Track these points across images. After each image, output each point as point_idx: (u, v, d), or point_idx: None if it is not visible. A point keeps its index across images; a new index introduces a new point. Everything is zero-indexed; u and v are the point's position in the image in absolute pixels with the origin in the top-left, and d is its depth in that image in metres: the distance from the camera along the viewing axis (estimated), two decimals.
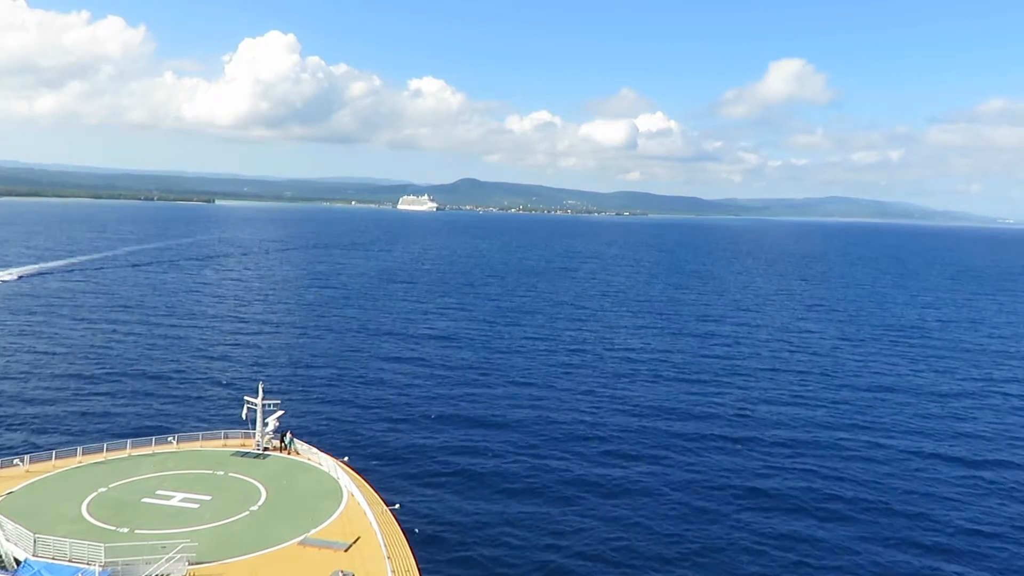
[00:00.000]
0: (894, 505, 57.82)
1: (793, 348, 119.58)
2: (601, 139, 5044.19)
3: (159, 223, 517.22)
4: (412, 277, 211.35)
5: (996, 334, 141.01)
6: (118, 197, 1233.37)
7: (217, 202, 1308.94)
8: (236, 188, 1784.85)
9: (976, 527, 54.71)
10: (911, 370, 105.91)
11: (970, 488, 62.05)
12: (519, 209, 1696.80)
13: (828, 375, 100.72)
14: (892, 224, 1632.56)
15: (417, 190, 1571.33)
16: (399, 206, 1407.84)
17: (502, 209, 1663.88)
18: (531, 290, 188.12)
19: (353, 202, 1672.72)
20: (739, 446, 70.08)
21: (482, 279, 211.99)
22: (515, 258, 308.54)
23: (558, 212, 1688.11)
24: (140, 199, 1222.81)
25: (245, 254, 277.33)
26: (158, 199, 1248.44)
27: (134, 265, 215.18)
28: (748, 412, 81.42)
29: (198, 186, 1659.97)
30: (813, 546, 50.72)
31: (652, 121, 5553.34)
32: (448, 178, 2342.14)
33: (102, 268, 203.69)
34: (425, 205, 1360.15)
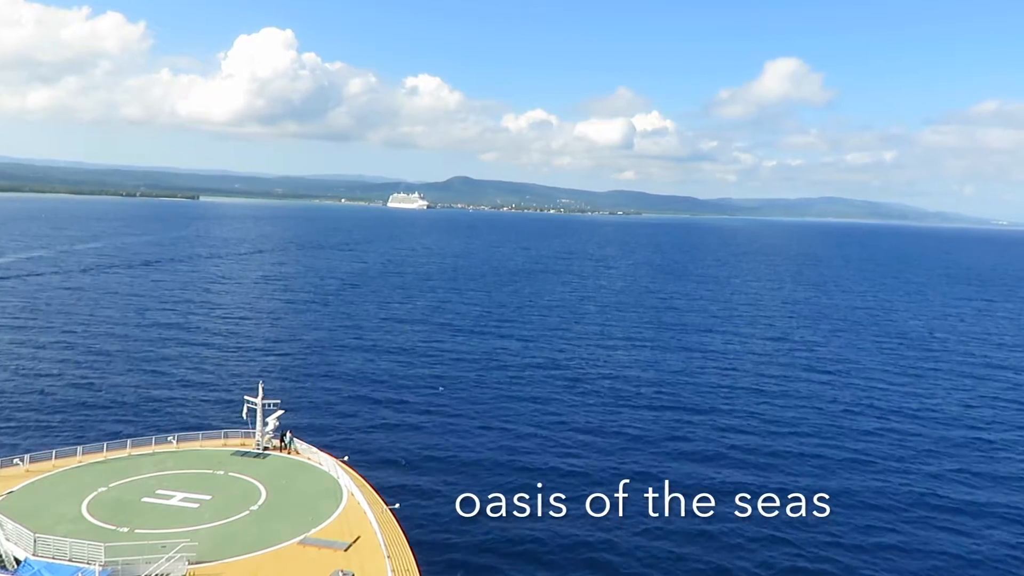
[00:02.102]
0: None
1: (799, 363, 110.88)
2: (596, 138, 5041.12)
3: (125, 220, 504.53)
4: (409, 277, 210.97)
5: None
6: (101, 193, 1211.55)
7: (202, 199, 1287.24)
8: (227, 185, 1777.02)
9: None
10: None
11: None
12: (512, 208, 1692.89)
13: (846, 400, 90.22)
14: (887, 225, 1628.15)
15: (409, 188, 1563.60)
16: (389, 204, 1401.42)
17: (494, 207, 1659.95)
18: (516, 294, 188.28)
19: (343, 200, 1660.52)
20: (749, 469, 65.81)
21: (475, 281, 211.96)
22: (497, 257, 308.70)
23: (551, 211, 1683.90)
24: (122, 195, 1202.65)
25: (242, 254, 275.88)
26: (141, 195, 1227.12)
27: (130, 266, 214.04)
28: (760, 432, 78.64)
29: (189, 182, 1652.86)
30: None
31: (647, 120, 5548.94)
32: (442, 176, 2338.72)
33: (98, 267, 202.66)
34: (415, 203, 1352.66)
